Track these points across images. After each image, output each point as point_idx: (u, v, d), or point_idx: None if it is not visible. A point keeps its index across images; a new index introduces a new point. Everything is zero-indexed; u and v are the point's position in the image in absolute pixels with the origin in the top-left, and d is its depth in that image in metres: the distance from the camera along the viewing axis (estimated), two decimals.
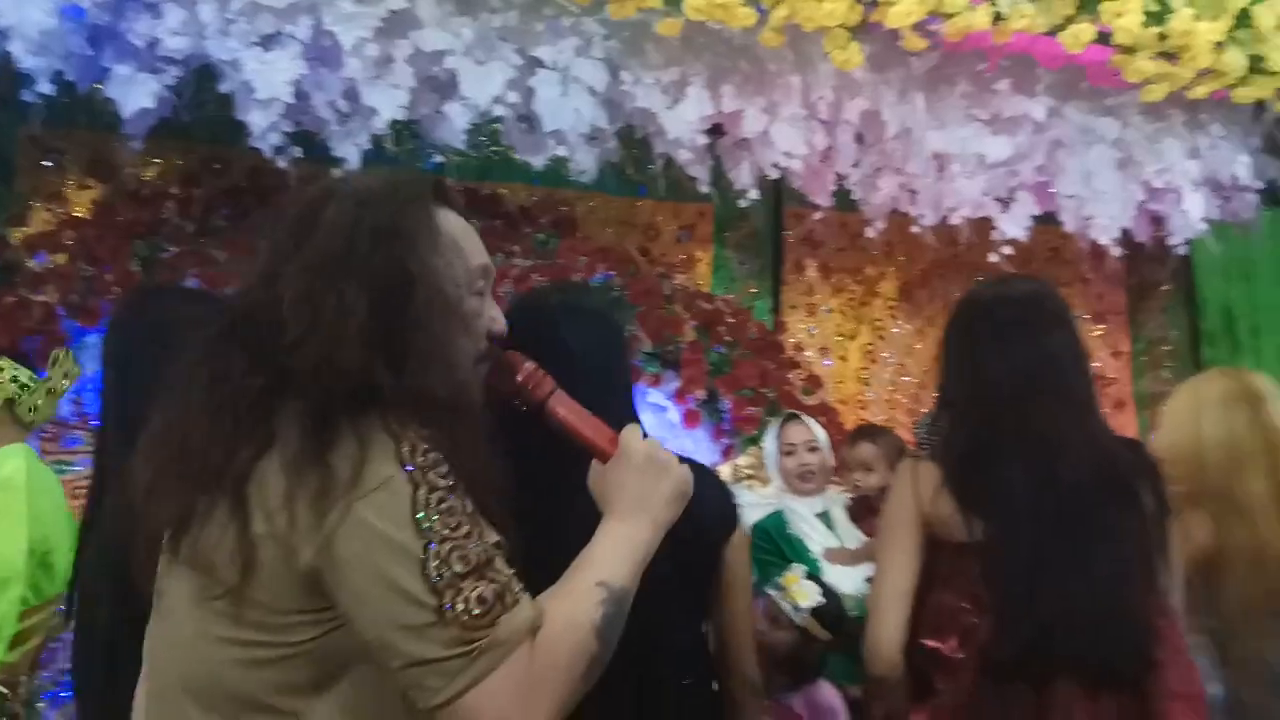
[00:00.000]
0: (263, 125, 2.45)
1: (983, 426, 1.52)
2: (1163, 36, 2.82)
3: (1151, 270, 3.83)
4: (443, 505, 0.85)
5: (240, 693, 0.87)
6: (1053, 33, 2.83)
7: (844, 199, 3.29)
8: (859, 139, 3.07)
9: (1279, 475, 1.82)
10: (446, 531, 0.84)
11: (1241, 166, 3.27)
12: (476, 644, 0.83)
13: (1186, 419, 1.93)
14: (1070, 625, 1.41)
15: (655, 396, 3.47)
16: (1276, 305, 3.93)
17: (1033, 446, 1.48)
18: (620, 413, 1.19)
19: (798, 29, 2.69)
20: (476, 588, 0.84)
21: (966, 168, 3.13)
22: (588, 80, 2.59)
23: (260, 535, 0.85)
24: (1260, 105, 3.20)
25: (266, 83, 2.38)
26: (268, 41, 2.42)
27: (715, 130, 3.01)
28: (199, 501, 0.88)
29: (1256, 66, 2.95)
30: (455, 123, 2.52)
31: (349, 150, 2.53)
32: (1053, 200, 3.26)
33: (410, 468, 0.84)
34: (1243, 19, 2.84)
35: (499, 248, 2.92)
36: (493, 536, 0.89)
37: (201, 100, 2.61)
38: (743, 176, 3.02)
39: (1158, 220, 3.37)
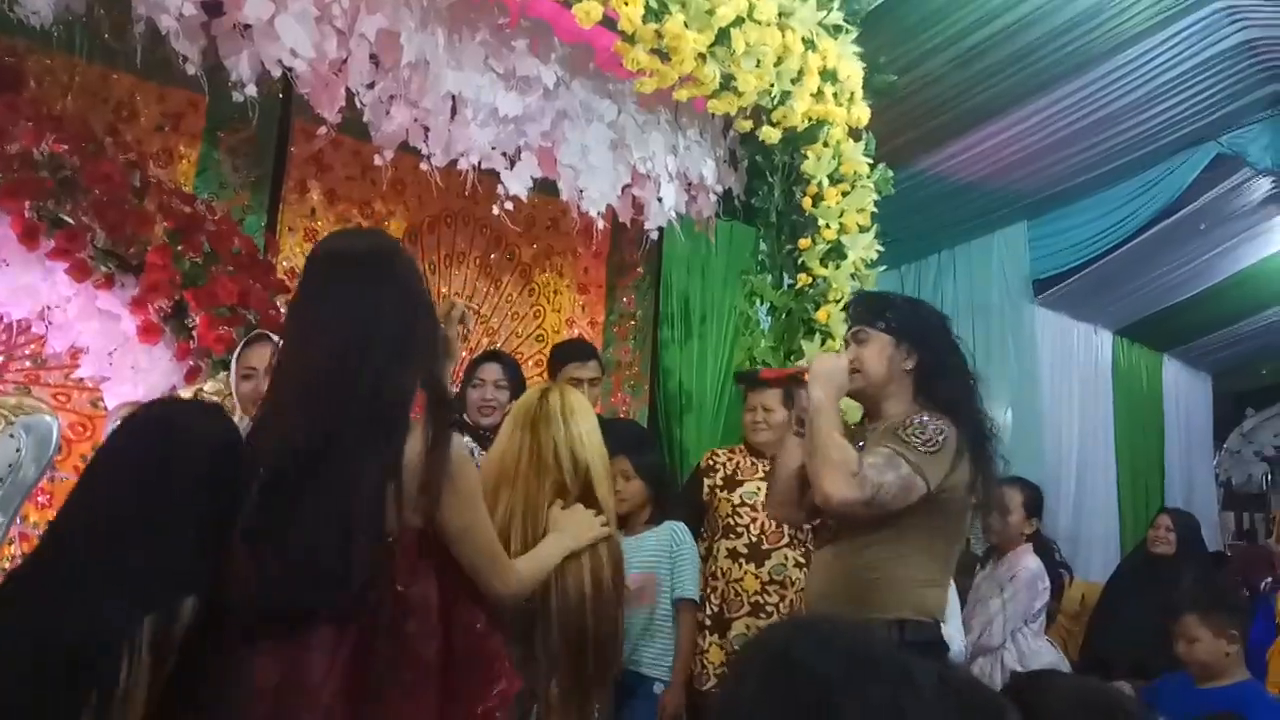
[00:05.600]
0: None
1: None
2: (659, 35, 3.12)
3: (630, 252, 4.25)
4: None
5: None
6: (569, 5, 2.99)
7: (359, 127, 3.16)
8: (374, 60, 2.96)
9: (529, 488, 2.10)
10: None
11: (708, 170, 3.76)
12: None
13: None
14: None
15: (107, 301, 3.03)
16: (724, 301, 4.56)
17: None
18: None
19: None
20: None
21: (479, 116, 3.18)
22: None
23: None
24: (729, 120, 3.70)
25: None
26: None
27: (215, 10, 2.70)
28: None
29: (728, 84, 3.41)
30: None
31: None
32: (555, 168, 3.44)
33: None
34: (722, 37, 3.25)
35: None
36: None
37: None
38: (241, 68, 2.74)
39: (640, 206, 3.74)
